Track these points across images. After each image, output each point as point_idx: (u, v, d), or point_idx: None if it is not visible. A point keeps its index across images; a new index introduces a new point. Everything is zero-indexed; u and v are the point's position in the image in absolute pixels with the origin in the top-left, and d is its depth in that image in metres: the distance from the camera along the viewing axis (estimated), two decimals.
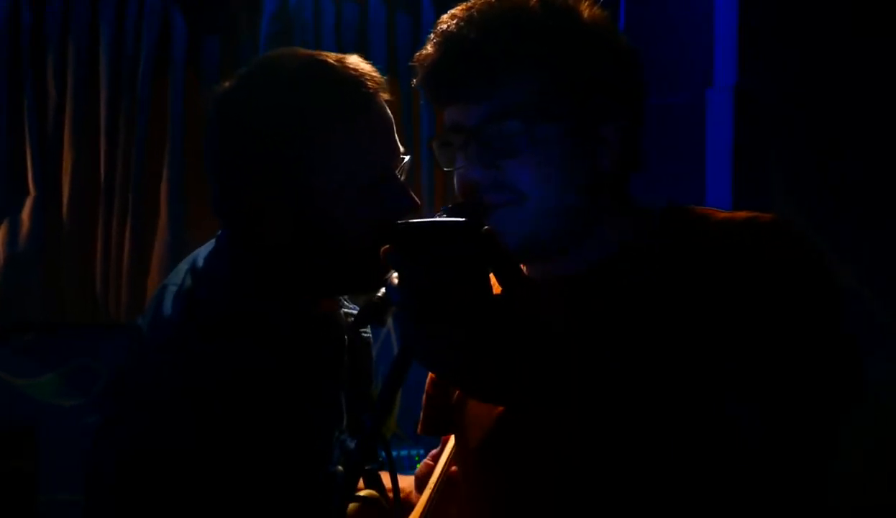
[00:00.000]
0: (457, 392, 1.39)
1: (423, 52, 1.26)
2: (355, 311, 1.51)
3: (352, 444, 1.41)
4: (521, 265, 1.21)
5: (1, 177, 3.13)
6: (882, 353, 2.67)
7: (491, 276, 1.06)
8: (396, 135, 1.41)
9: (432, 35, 1.26)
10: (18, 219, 3.12)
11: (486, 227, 1.05)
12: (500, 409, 1.27)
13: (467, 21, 1.22)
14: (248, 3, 3.22)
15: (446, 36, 1.23)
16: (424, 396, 1.52)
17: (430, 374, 1.50)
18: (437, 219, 1.07)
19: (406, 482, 1.55)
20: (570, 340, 1.07)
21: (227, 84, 1.39)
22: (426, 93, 1.28)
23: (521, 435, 1.25)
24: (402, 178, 1.41)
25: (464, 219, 1.06)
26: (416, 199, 1.40)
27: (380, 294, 1.22)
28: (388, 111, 1.39)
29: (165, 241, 3.16)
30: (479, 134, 1.22)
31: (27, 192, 3.13)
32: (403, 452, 2.94)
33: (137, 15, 3.16)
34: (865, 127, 2.81)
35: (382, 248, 1.07)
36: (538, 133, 1.20)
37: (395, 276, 1.05)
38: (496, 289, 1.07)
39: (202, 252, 1.42)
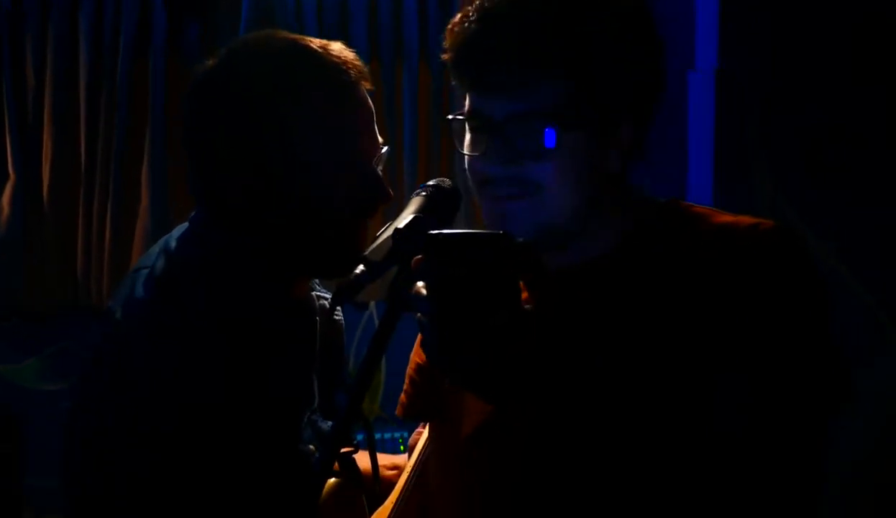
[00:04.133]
0: None
1: (459, 24, 1.22)
2: (327, 295, 1.51)
3: (324, 425, 1.41)
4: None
5: None
6: (860, 332, 2.69)
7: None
8: (375, 125, 1.41)
9: (473, 8, 1.22)
10: None
11: (521, 239, 1.07)
12: None
13: (513, 5, 1.20)
14: None
15: (488, 17, 1.20)
16: (407, 381, 1.50)
17: (414, 359, 1.50)
18: (471, 230, 1.06)
19: (385, 460, 1.55)
20: (564, 337, 1.10)
21: (208, 63, 1.39)
22: (454, 71, 1.25)
23: (517, 425, 1.25)
24: (380, 169, 1.41)
25: (500, 231, 1.06)
26: (391, 191, 1.41)
27: (357, 272, 1.20)
28: (370, 100, 1.40)
29: (147, 226, 3.14)
30: (506, 129, 1.20)
31: (7, 177, 3.10)
32: (387, 435, 2.94)
33: None
34: (846, 108, 2.82)
35: (414, 259, 1.06)
36: (566, 138, 1.19)
37: (420, 286, 1.05)
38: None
39: (175, 234, 1.42)
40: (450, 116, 1.28)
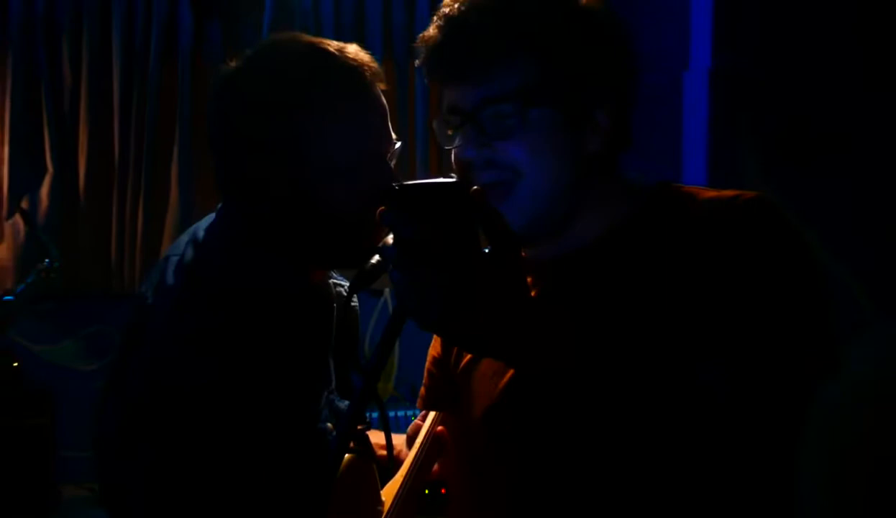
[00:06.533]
0: (460, 366, 1.37)
1: (426, 33, 1.23)
2: (343, 283, 1.51)
3: (341, 404, 1.40)
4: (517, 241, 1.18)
5: (21, 155, 3.12)
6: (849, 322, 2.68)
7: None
8: (389, 122, 1.40)
9: (436, 17, 1.24)
10: (37, 195, 3.12)
11: (475, 187, 1.03)
12: (504, 381, 1.25)
13: (469, 5, 1.21)
14: None
15: (448, 18, 1.21)
16: (426, 374, 1.50)
17: (431, 353, 1.49)
18: (427, 180, 1.05)
19: (398, 440, 1.56)
20: (561, 314, 1.06)
21: (232, 64, 1.38)
22: (427, 73, 1.26)
23: (524, 405, 1.24)
24: (393, 163, 1.40)
25: (454, 179, 1.05)
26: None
27: (373, 261, 1.21)
28: (384, 99, 1.38)
29: (176, 218, 3.17)
30: (475, 116, 1.20)
31: (45, 170, 3.12)
32: (400, 413, 2.96)
33: (147, 2, 3.16)
34: (832, 106, 2.81)
35: (378, 209, 1.04)
36: (531, 117, 1.18)
37: (390, 238, 1.04)
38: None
39: (202, 224, 1.41)
40: (433, 122, 1.28)
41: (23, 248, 3.10)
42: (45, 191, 3.11)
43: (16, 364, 2.54)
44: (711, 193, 1.21)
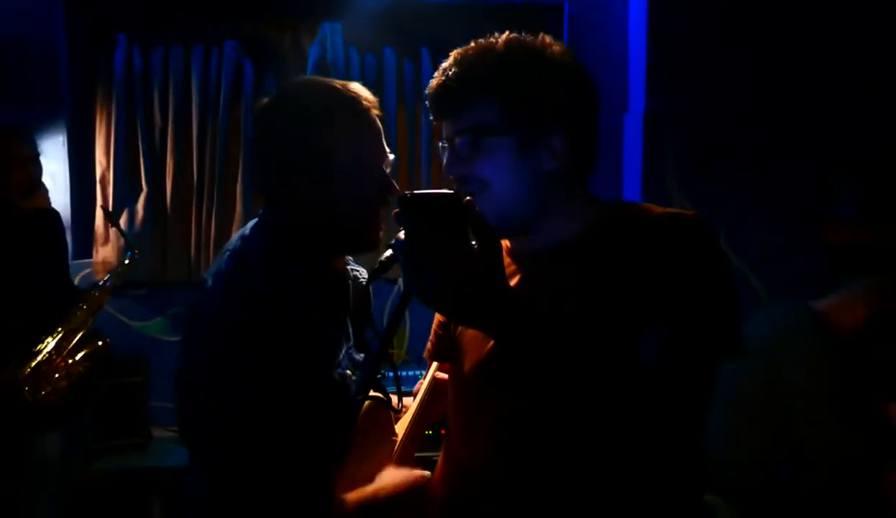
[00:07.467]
0: (458, 329, 1.36)
1: (431, 82, 1.26)
2: (358, 268, 1.51)
3: (358, 356, 1.39)
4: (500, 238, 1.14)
5: (122, 179, 3.12)
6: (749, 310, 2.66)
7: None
8: (384, 140, 1.39)
9: (438, 71, 1.26)
10: (135, 208, 3.14)
11: (467, 197, 1.03)
12: (490, 343, 1.25)
13: (452, 61, 1.23)
14: (298, 55, 3.20)
15: (442, 71, 1.24)
16: (432, 332, 1.49)
17: (437, 317, 1.47)
18: (431, 191, 1.04)
19: (405, 402, 1.55)
20: (530, 299, 1.05)
21: (265, 100, 1.38)
22: (430, 111, 1.28)
23: (504, 361, 1.23)
24: (389, 171, 1.39)
25: (451, 191, 1.04)
26: (397, 186, 1.38)
27: (387, 254, 1.22)
28: (379, 122, 1.37)
29: (240, 224, 3.12)
30: (454, 143, 1.22)
31: (141, 189, 3.14)
32: (411, 372, 2.91)
33: (218, 61, 3.15)
34: (739, 142, 2.84)
35: (393, 212, 1.05)
36: (489, 144, 1.19)
37: (401, 234, 1.03)
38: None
39: (250, 224, 1.42)
40: (439, 144, 1.29)
41: (123, 250, 3.07)
42: (140, 205, 3.13)
43: (100, 343, 2.49)
44: (659, 209, 1.20)
